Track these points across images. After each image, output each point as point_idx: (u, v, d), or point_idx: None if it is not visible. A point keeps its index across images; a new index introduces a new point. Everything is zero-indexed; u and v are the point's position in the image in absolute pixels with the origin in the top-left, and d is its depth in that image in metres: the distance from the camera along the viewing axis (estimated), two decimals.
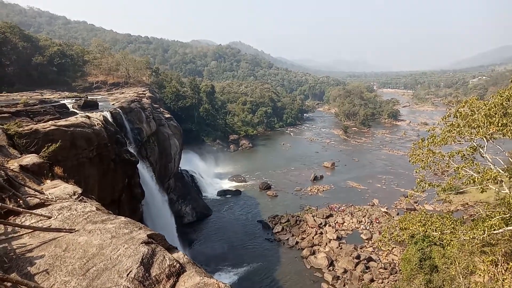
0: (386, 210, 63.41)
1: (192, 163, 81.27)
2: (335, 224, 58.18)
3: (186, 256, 7.62)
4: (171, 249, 7.86)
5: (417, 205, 65.02)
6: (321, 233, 55.06)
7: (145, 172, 42.43)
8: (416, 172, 20.70)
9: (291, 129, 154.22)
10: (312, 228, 56.27)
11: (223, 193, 73.54)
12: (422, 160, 19.62)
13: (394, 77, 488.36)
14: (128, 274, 6.34)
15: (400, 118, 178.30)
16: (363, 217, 60.81)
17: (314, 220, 58.25)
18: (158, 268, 6.71)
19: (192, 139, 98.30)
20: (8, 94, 54.40)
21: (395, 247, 48.65)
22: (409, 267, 31.44)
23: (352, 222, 58.82)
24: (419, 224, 19.29)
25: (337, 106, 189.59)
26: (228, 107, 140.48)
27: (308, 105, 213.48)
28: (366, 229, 56.60)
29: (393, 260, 47.06)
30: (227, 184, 79.88)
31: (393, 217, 59.34)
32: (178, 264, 6.95)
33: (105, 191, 27.05)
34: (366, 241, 53.13)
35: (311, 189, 76.48)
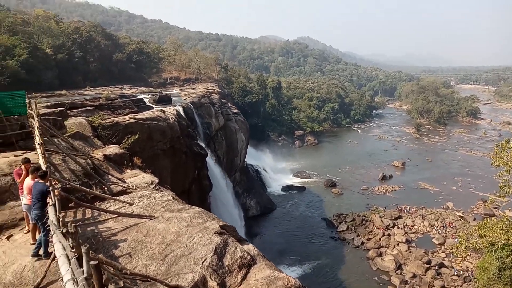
0: (461, 215, 58.86)
1: (257, 157, 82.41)
2: (404, 226, 55.40)
3: (256, 249, 7.79)
4: (242, 241, 8.07)
5: (497, 211, 59.55)
6: (389, 234, 52.76)
7: (213, 165, 44.00)
8: (499, 175, 19.33)
9: (359, 126, 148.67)
10: (379, 229, 54.16)
11: (287, 188, 73.54)
12: (507, 163, 18.23)
13: (473, 72, 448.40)
14: (203, 262, 6.63)
15: (480, 117, 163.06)
16: (436, 220, 57.11)
17: (382, 221, 55.99)
18: (230, 259, 6.93)
19: (257, 134, 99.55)
20: (92, 88, 60.03)
21: (470, 254, 45.24)
22: (486, 276, 29.01)
23: (423, 225, 55.56)
24: (500, 231, 17.94)
25: (410, 103, 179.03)
26: (294, 103, 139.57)
27: (378, 102, 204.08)
28: (438, 233, 53.14)
29: (467, 267, 43.82)
30: (292, 180, 79.68)
31: (469, 222, 55.01)
32: (249, 256, 7.12)
33: (176, 182, 28.48)
34: (438, 246, 49.88)
35: (378, 188, 73.48)
